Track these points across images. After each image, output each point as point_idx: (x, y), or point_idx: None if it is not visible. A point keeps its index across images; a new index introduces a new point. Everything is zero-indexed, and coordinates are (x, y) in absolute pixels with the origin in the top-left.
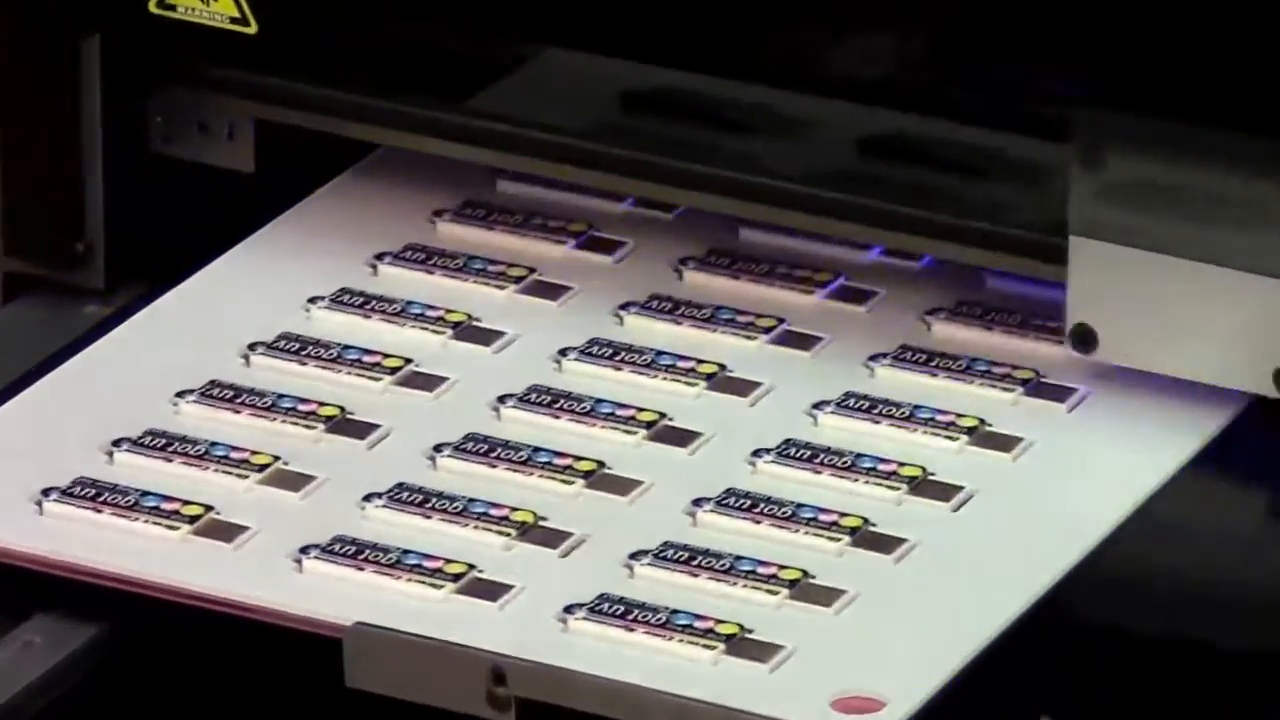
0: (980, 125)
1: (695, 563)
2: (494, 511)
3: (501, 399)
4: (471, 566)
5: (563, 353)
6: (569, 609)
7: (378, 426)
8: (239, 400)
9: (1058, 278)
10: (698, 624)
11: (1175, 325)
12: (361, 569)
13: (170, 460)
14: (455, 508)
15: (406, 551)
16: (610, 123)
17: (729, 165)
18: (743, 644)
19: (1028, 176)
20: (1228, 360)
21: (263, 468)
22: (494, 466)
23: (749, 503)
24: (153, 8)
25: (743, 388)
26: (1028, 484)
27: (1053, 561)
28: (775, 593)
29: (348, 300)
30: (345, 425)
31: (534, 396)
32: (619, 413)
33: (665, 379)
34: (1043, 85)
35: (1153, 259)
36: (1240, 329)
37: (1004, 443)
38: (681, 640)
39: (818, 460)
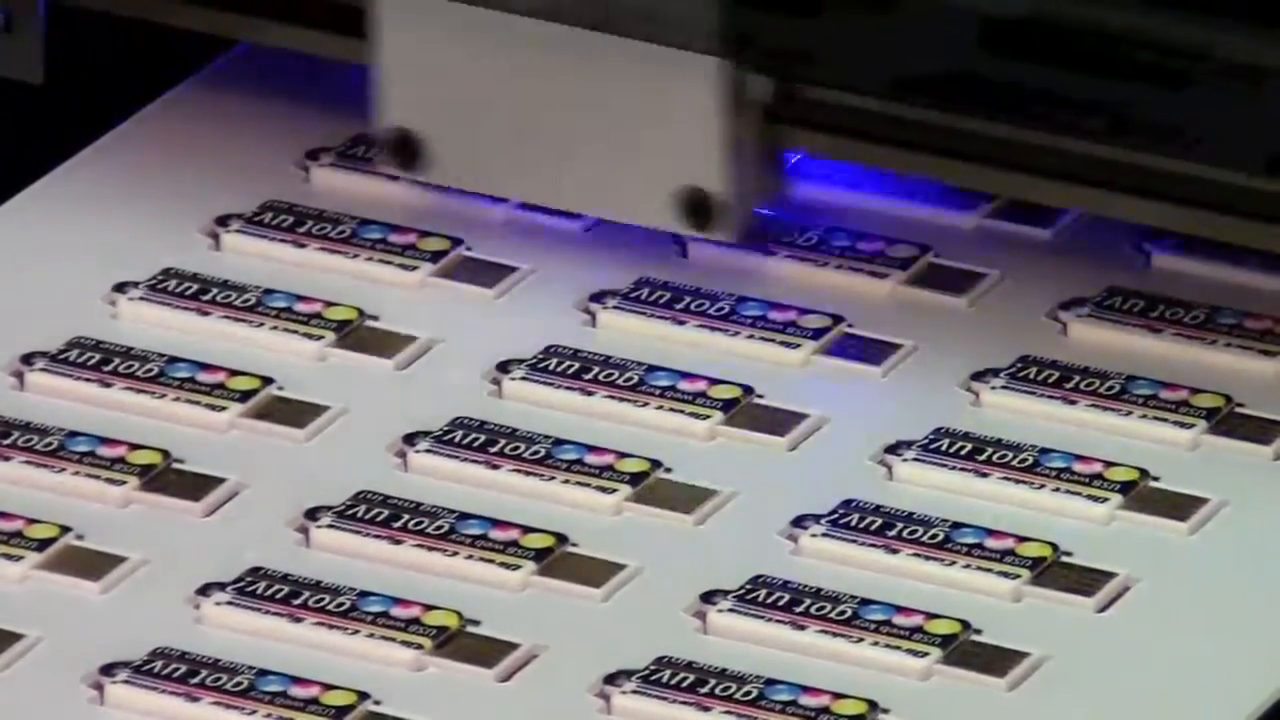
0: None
1: (704, 690)
2: (397, 611)
3: (410, 439)
4: (363, 696)
5: (504, 367)
6: None
7: (221, 481)
8: (9, 441)
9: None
10: None
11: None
12: (195, 698)
13: None
14: (339, 605)
15: (263, 673)
16: None
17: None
18: None
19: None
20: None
21: (44, 544)
22: (398, 542)
23: (787, 598)
24: None
25: (779, 422)
26: (1215, 570)
27: (1250, 698)
28: None
29: (175, 287)
30: (171, 480)
31: (459, 436)
32: (589, 460)
33: (660, 408)
34: None
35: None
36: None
37: (1178, 506)
38: None
39: (893, 532)
